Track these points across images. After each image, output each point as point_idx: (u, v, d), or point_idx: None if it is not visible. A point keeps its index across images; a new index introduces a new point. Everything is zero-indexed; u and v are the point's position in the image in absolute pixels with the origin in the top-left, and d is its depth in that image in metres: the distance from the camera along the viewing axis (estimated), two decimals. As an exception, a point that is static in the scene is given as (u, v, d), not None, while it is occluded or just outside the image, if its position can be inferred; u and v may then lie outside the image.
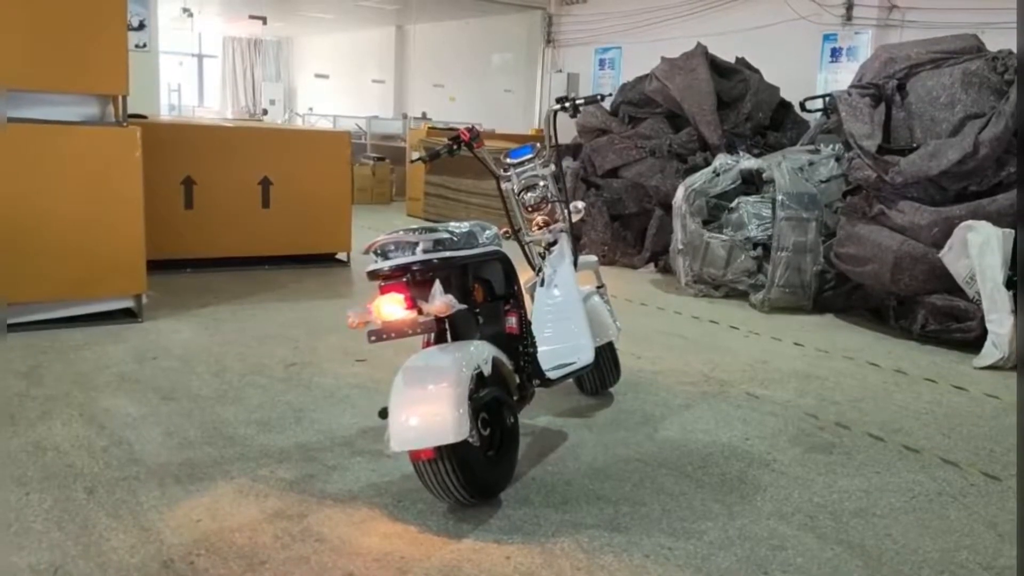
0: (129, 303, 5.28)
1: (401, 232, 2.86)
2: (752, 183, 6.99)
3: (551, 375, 3.43)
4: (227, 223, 7.01)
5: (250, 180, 7.11)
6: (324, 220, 7.50)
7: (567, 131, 11.49)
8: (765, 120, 8.19)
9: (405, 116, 15.87)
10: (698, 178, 6.88)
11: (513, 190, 3.94)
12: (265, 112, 16.45)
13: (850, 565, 2.64)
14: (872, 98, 6.06)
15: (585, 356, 3.67)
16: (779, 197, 6.26)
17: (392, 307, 2.75)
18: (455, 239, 2.92)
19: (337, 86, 20.02)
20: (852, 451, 3.60)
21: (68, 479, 3.03)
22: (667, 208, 7.75)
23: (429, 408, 2.71)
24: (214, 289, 6.26)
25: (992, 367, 4.96)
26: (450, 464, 2.75)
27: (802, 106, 7.32)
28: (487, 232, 3.19)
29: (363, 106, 18.28)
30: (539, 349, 3.54)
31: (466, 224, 3.11)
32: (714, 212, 7.00)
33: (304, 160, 7.38)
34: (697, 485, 3.19)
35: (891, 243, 5.63)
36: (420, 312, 2.75)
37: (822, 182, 6.49)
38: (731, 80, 8.17)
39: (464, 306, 2.87)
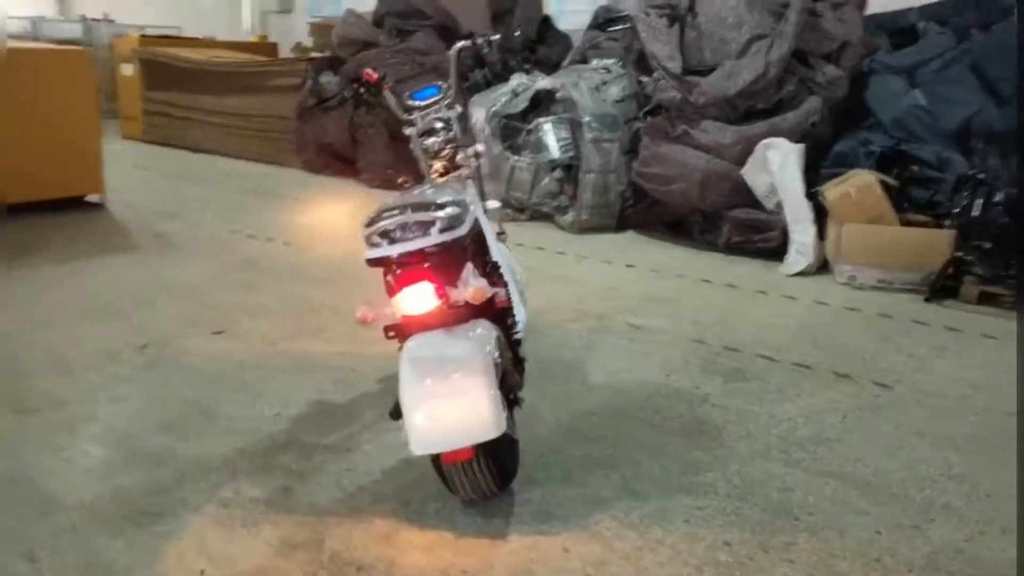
0: None
1: (409, 211, 2.51)
2: (540, 103, 7.01)
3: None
4: (-51, 168, 5.76)
5: (-28, 113, 5.87)
6: (68, 158, 6.42)
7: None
8: (533, 34, 8.20)
9: (84, 18, 13.84)
10: (498, 99, 6.77)
11: (415, 135, 3.62)
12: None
13: (852, 495, 2.84)
14: (668, 18, 6.28)
15: (522, 312, 3.53)
16: (585, 119, 6.35)
17: (423, 299, 2.43)
18: (461, 211, 2.62)
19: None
20: (761, 376, 3.85)
21: (-13, 546, 2.40)
22: (449, 127, 7.57)
23: (462, 403, 2.46)
24: (-35, 254, 5.17)
25: (801, 273, 5.51)
26: (486, 461, 2.54)
27: (601, 27, 7.41)
28: (468, 194, 2.91)
29: (14, 4, 15.61)
30: None
31: (446, 189, 2.82)
32: (504, 133, 6.95)
33: (36, 86, 6.21)
34: (666, 433, 3.25)
35: (698, 162, 5.97)
36: (448, 301, 2.46)
37: (617, 102, 6.67)
38: (500, -8, 8.05)
39: (496, 289, 2.61)
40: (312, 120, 8.31)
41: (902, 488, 2.90)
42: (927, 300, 5.04)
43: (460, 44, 3.68)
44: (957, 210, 5.32)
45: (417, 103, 3.59)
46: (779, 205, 5.78)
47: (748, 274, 5.51)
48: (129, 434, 3.07)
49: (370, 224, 2.54)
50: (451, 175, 3.67)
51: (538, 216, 6.78)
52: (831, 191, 5.43)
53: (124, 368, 3.63)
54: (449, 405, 2.47)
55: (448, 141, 3.64)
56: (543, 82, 6.86)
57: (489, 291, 2.50)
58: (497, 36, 3.72)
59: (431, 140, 3.63)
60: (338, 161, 8.42)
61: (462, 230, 2.57)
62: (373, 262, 2.52)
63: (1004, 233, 5.02)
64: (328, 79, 8.39)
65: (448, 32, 7.89)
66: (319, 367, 3.75)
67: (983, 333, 4.51)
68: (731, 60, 6.12)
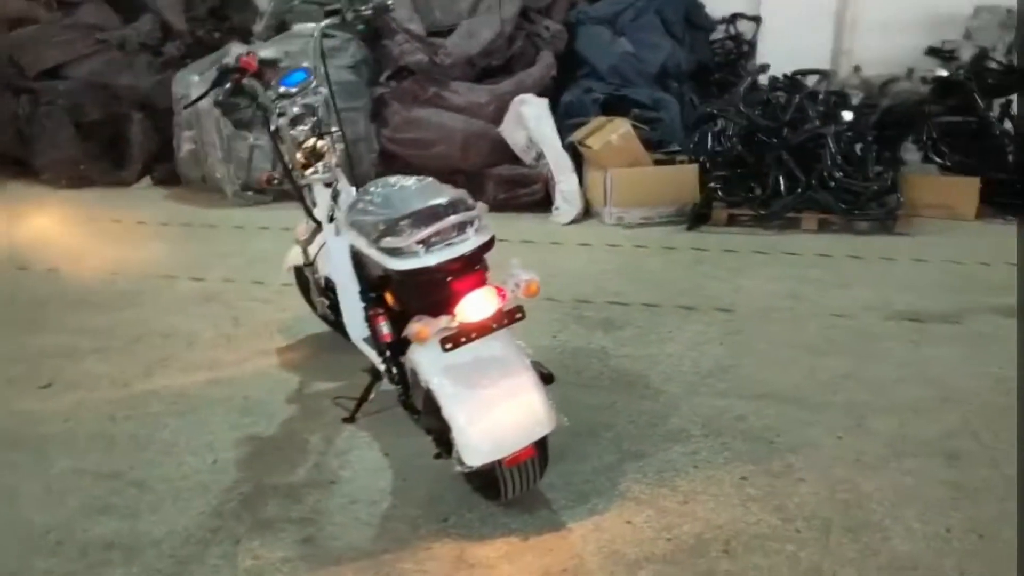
0: None
1: (446, 215, 2.34)
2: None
3: None
4: None
5: None
6: None
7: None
8: (217, 2, 7.54)
9: None
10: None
11: (286, 125, 3.30)
12: None
13: (791, 411, 3.20)
14: (400, -19, 6.18)
15: None
16: (326, 88, 6.04)
17: (490, 302, 2.30)
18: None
19: None
20: (630, 321, 4.07)
21: None
22: (147, 109, 6.82)
23: (516, 404, 2.41)
24: None
25: (572, 221, 5.85)
26: (540, 455, 2.50)
27: None
28: (343, 183, 3.08)
29: None
30: None
31: (428, 182, 2.67)
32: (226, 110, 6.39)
33: None
34: (604, 391, 3.38)
35: (456, 123, 6.03)
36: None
37: (350, 68, 6.43)
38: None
39: None
40: (-40, 116, 6.93)
41: (822, 395, 3.33)
42: (688, 229, 5.65)
43: (327, 21, 3.38)
44: (692, 145, 6.01)
45: (289, 89, 3.26)
46: (538, 158, 6.06)
47: (531, 228, 5.72)
48: (62, 528, 2.51)
49: (392, 232, 2.33)
50: (319, 164, 3.42)
51: (283, 197, 6.37)
52: (593, 140, 5.81)
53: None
54: (505, 410, 2.40)
55: (315, 128, 3.37)
56: (264, 52, 6.36)
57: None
58: (369, 8, 3.45)
59: (299, 129, 3.34)
60: (3, 162, 7.15)
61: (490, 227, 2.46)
62: (414, 273, 2.32)
63: (739, 161, 5.78)
64: (-27, 66, 7.03)
65: (118, 3, 6.97)
66: (203, 401, 3.31)
67: (753, 251, 5.20)
68: (465, 20, 6.22)
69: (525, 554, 2.42)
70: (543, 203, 6.02)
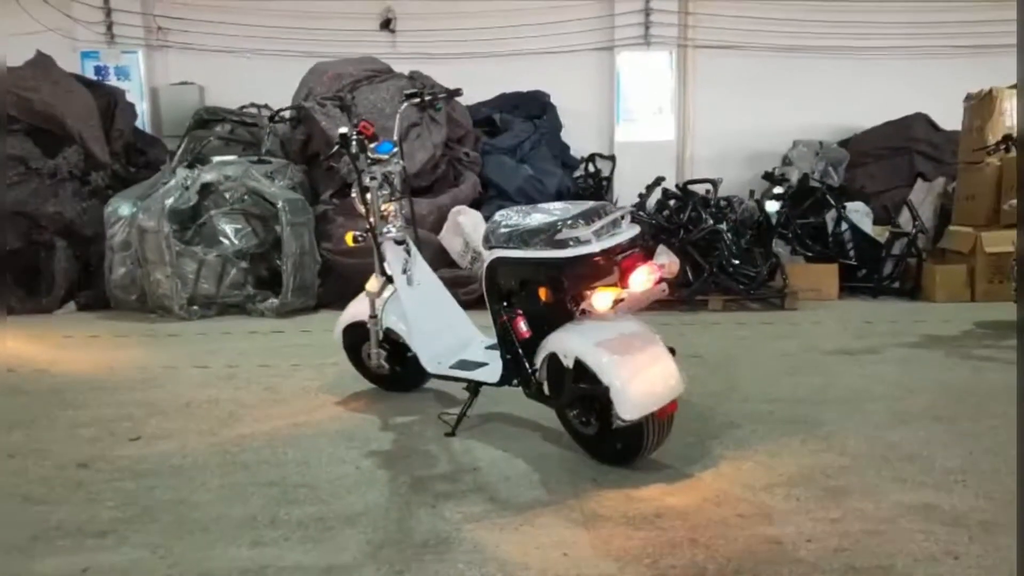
0: None
1: (606, 213, 2.94)
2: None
3: None
4: None
5: None
6: None
7: None
8: (131, 137, 7.78)
9: None
10: (166, 196, 6.41)
11: (375, 188, 3.79)
12: None
13: (849, 408, 3.92)
14: (340, 109, 6.80)
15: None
16: (279, 204, 6.45)
17: (652, 275, 2.87)
18: None
19: None
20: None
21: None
22: (71, 237, 6.87)
23: (658, 367, 2.97)
24: None
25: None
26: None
27: (272, 118, 7.31)
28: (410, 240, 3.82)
29: None
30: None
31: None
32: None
33: None
34: (690, 408, 3.89)
35: (400, 233, 6.57)
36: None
37: (291, 189, 6.86)
38: (97, 92, 7.50)
39: None
40: None
41: (817, 397, 4.09)
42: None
43: (407, 103, 3.93)
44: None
45: (381, 156, 3.76)
46: (472, 261, 6.69)
47: (479, 320, 6.25)
48: (264, 514, 2.70)
49: (567, 227, 2.88)
50: (391, 224, 3.90)
51: (226, 310, 6.56)
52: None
53: (124, 482, 3.00)
54: (652, 372, 2.95)
55: (392, 193, 3.87)
56: (208, 175, 6.71)
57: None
58: (443, 94, 4.04)
59: (381, 192, 3.83)
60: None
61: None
62: (589, 256, 2.87)
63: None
64: None
65: (51, 136, 7.06)
66: (303, 436, 3.55)
67: (682, 323, 6.01)
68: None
69: (678, 492, 2.91)
70: (481, 301, 6.56)
